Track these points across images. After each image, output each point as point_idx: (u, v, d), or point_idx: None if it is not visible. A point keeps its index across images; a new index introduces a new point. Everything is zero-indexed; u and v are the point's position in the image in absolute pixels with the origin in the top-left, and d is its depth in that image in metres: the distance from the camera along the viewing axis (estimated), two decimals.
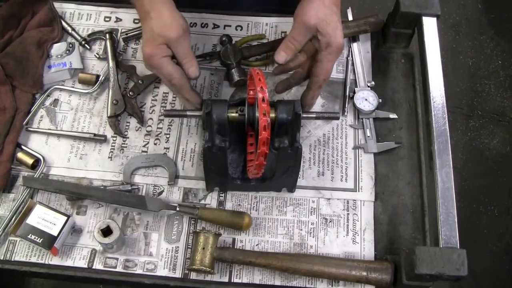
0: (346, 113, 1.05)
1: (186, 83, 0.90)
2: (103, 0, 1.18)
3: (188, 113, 0.93)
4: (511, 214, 2.17)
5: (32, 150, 0.99)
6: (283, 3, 1.24)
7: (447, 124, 0.93)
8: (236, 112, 0.88)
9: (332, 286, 0.90)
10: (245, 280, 0.90)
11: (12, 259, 0.91)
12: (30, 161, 0.97)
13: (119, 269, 0.91)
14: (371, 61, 1.11)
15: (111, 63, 1.06)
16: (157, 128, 1.03)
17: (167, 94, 1.07)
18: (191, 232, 0.94)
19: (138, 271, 0.91)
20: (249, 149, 0.94)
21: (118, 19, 1.15)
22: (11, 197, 0.96)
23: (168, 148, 1.01)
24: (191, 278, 0.90)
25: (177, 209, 0.93)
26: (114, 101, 1.03)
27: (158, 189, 0.97)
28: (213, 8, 1.16)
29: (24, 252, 0.91)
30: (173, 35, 0.85)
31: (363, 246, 0.93)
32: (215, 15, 1.15)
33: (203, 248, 0.87)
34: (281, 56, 0.90)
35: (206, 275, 0.90)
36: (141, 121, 1.03)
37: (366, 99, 1.05)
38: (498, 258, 2.08)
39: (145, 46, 0.86)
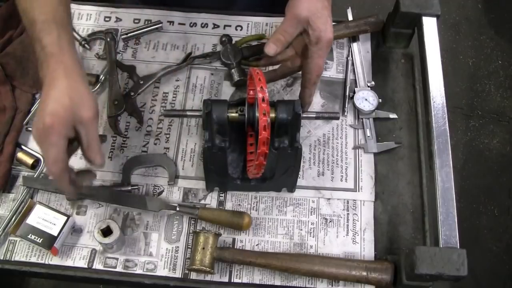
0: (346, 113, 1.05)
1: (67, 173, 0.78)
2: (103, 0, 1.18)
3: (188, 113, 0.93)
4: (511, 214, 2.17)
5: (32, 150, 0.99)
6: (276, 2, 1.23)
7: (447, 124, 0.93)
8: (236, 112, 0.88)
9: (332, 286, 0.90)
10: (245, 280, 0.90)
11: (12, 259, 0.91)
12: (30, 161, 0.97)
13: (119, 269, 0.91)
14: (371, 61, 1.11)
15: (111, 63, 1.06)
16: (157, 128, 1.03)
17: (167, 94, 1.07)
18: (191, 232, 0.94)
19: (138, 271, 0.91)
20: (249, 149, 0.94)
21: (118, 19, 1.15)
22: (11, 197, 0.96)
23: (168, 148, 1.01)
24: (191, 278, 0.90)
25: (177, 209, 0.93)
26: (114, 101, 1.02)
27: (158, 189, 0.97)
28: (207, 7, 1.16)
29: (24, 252, 0.91)
30: (88, 114, 0.74)
31: (363, 246, 0.93)
32: (215, 15, 1.15)
33: (203, 248, 0.87)
34: (271, 48, 0.89)
35: (206, 275, 0.90)
36: (141, 121, 1.03)
37: (366, 99, 1.05)
38: (498, 258, 2.08)
39: (48, 116, 0.72)
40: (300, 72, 0.95)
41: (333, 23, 1.09)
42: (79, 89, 0.75)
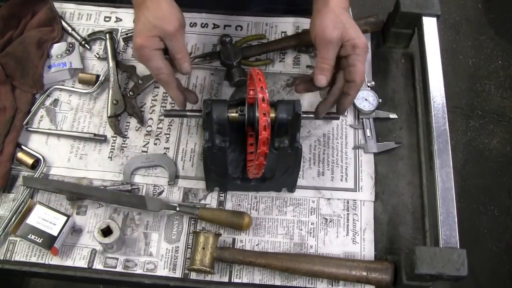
0: (346, 113, 1.05)
1: (173, 81, 0.88)
2: (103, 0, 1.18)
3: (188, 113, 0.93)
4: (511, 214, 2.17)
5: (32, 150, 0.99)
6: (290, 3, 1.24)
7: (447, 124, 0.93)
8: (236, 112, 0.88)
9: (332, 286, 0.90)
10: (245, 280, 0.90)
11: (12, 259, 0.91)
12: (30, 161, 0.97)
13: (119, 269, 0.91)
14: (371, 61, 1.11)
15: (111, 63, 1.06)
16: (157, 128, 1.03)
17: (167, 94, 1.07)
18: (191, 232, 0.94)
19: (138, 271, 0.91)
20: (249, 149, 0.94)
21: (118, 19, 1.15)
22: (11, 197, 0.96)
23: (168, 148, 1.01)
24: (191, 278, 0.90)
25: (177, 209, 0.93)
26: (114, 101, 1.03)
27: (158, 189, 0.97)
28: (221, 9, 1.16)
29: (24, 252, 0.91)
30: (170, 28, 0.83)
31: (363, 246, 0.93)
32: (215, 15, 1.15)
33: (203, 248, 0.87)
34: (321, 80, 0.85)
35: (206, 275, 0.90)
36: (141, 121, 1.03)
37: (366, 99, 1.05)
38: (498, 258, 2.08)
39: (137, 36, 0.83)
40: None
41: None
42: (161, 7, 0.84)
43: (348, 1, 0.88)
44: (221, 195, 0.97)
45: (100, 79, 1.06)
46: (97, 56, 1.09)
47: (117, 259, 0.91)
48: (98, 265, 0.91)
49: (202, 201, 0.96)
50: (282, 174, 0.92)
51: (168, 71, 0.87)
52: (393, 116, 1.05)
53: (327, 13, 0.85)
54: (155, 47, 0.84)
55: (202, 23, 1.14)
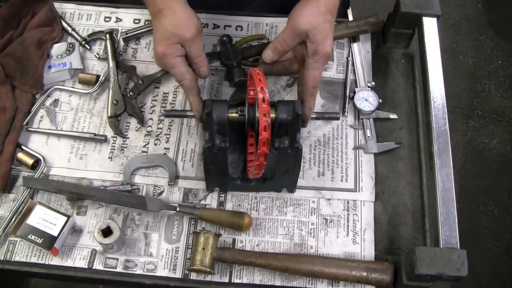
0: (346, 113, 1.05)
1: (195, 87, 0.90)
2: (103, 0, 1.18)
3: (188, 113, 0.93)
4: (511, 214, 2.17)
5: (32, 150, 0.99)
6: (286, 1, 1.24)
7: (447, 124, 0.93)
8: (236, 112, 0.88)
9: (332, 286, 0.90)
10: (245, 280, 0.90)
11: (12, 260, 0.91)
12: (30, 161, 0.97)
13: (119, 269, 0.91)
14: (371, 61, 1.11)
15: (111, 63, 1.06)
16: (157, 128, 1.03)
17: (167, 94, 1.07)
18: (191, 232, 0.94)
19: (138, 271, 0.91)
20: (249, 149, 0.94)
21: (118, 19, 1.15)
22: (11, 197, 0.96)
23: (168, 148, 1.01)
24: (191, 278, 0.90)
25: (177, 209, 0.93)
26: (114, 101, 1.02)
27: (158, 189, 0.97)
28: (218, 8, 1.16)
29: (24, 253, 0.91)
30: (188, 35, 0.85)
31: (363, 247, 0.93)
32: (215, 15, 1.15)
33: (203, 249, 0.87)
34: (268, 55, 0.92)
35: (206, 276, 0.90)
36: (141, 121, 1.03)
37: (366, 99, 1.05)
38: (498, 258, 2.08)
39: (158, 45, 0.85)
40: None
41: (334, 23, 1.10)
42: (178, 14, 0.85)
43: (336, 6, 0.89)
44: (221, 195, 0.97)
45: (100, 79, 1.06)
46: (97, 56, 1.09)
47: (117, 259, 0.91)
48: (98, 266, 0.91)
49: (202, 202, 0.96)
50: (282, 174, 0.92)
51: (191, 77, 0.89)
52: (393, 116, 1.05)
53: (312, 5, 0.86)
54: (177, 54, 0.86)
55: (202, 23, 1.13)
